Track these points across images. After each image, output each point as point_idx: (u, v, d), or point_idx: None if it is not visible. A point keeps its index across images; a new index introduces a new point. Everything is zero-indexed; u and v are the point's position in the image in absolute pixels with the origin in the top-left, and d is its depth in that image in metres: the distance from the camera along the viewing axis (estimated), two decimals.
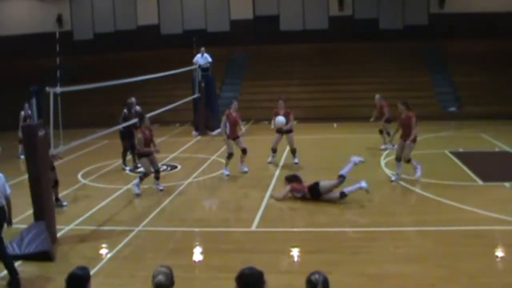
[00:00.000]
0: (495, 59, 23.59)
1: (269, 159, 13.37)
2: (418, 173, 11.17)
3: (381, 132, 15.09)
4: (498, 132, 16.82)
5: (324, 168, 12.54)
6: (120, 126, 12.69)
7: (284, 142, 13.30)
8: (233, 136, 12.24)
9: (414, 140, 11.00)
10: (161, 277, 3.76)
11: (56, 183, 9.73)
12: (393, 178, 11.23)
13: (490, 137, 16.13)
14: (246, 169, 12.46)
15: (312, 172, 12.16)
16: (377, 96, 15.29)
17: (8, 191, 6.65)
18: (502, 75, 22.57)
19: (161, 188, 11.05)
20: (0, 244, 6.43)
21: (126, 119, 12.86)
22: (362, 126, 16.26)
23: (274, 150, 13.30)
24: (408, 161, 11.17)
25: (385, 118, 14.83)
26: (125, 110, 13.15)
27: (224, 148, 12.99)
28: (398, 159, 11.12)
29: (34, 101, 8.05)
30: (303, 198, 9.94)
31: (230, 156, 12.19)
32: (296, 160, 13.15)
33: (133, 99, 13.27)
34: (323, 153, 14.95)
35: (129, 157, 13.56)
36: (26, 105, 15.12)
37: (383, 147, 14.82)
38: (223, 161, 12.65)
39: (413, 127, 10.89)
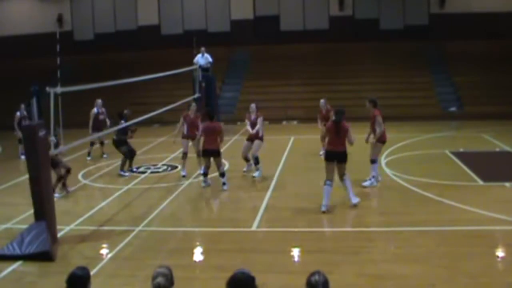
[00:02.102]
0: (495, 59, 23.59)
1: (244, 168, 12.49)
2: (367, 182, 10.66)
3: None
4: (499, 132, 16.82)
5: (323, 168, 12.52)
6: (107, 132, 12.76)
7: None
8: (191, 136, 12.33)
9: (380, 140, 10.60)
10: (160, 279, 3.75)
11: (68, 171, 10.66)
12: (365, 183, 10.64)
13: (490, 137, 16.12)
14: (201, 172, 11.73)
15: (312, 171, 12.17)
16: (322, 100, 14.55)
17: None
18: (502, 75, 22.56)
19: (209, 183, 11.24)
20: None
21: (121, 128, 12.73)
22: (362, 126, 16.21)
23: (246, 159, 12.39)
24: (372, 161, 10.72)
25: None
26: (122, 121, 13.11)
27: (224, 148, 12.97)
28: (371, 161, 10.75)
29: (34, 101, 8.05)
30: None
31: (184, 156, 12.32)
32: (254, 173, 12.09)
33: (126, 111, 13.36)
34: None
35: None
36: (22, 106, 15.16)
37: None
38: (224, 161, 12.64)
39: (378, 126, 10.45)
